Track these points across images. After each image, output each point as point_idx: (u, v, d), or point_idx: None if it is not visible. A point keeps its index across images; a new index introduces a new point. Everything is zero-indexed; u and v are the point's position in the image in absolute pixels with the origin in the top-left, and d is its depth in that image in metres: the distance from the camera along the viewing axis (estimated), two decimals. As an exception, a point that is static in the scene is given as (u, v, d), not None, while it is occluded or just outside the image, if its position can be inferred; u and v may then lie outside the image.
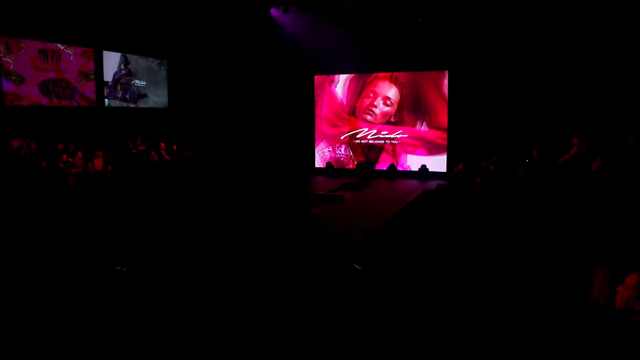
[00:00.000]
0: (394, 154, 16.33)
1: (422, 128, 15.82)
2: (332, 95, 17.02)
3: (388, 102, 16.23)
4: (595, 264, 2.77)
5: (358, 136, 16.76)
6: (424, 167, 15.59)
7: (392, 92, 16.17)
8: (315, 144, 17.39)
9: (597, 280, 2.71)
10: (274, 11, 14.97)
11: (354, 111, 16.75)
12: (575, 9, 12.09)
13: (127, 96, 15.36)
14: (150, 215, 10.05)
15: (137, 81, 15.61)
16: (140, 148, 13.70)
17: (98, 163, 12.03)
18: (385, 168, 16.35)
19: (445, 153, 15.48)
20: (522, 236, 4.52)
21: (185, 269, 6.61)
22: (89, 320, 5.05)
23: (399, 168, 16.22)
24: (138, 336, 4.72)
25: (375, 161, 16.67)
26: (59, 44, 13.18)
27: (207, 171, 14.19)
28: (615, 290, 2.60)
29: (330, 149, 17.25)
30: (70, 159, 11.50)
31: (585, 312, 2.77)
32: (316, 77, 17.18)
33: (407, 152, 16.14)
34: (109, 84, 14.71)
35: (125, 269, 6.63)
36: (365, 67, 16.25)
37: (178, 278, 6.25)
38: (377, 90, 16.37)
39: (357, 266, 5.24)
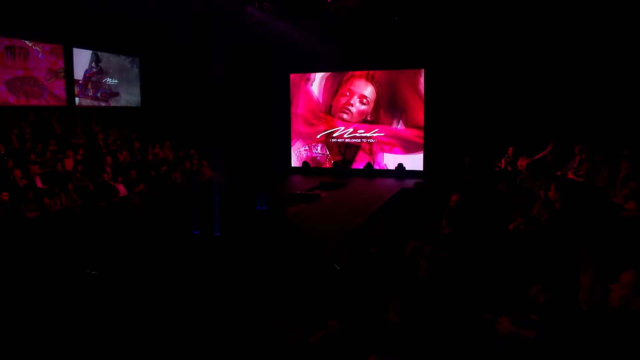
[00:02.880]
0: (371, 153, 16.27)
1: (399, 127, 15.79)
2: (308, 94, 16.90)
3: (364, 100, 16.16)
4: (583, 261, 2.68)
5: (334, 135, 16.66)
6: (400, 165, 15.56)
7: (369, 91, 16.11)
8: (292, 143, 17.24)
9: (586, 278, 2.62)
10: (249, 8, 14.76)
11: (330, 110, 16.65)
12: (551, 8, 12.16)
13: (99, 95, 14.99)
14: (124, 215, 9.83)
15: (108, 79, 15.25)
16: (111, 147, 13.38)
17: (68, 163, 11.69)
18: (362, 167, 16.28)
19: (422, 151, 15.47)
20: (505, 233, 4.46)
21: (161, 270, 6.44)
22: (60, 323, 4.86)
23: (376, 167, 16.17)
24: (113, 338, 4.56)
25: (352, 160, 16.59)
26: (27, 40, 12.78)
27: (182, 171, 13.91)
28: (609, 288, 2.51)
29: (307, 148, 17.13)
30: (38, 159, 11.16)
31: (575, 310, 2.68)
32: (292, 76, 17.04)
33: (383, 151, 16.10)
34: (80, 82, 14.34)
35: (97, 273, 6.45)
36: (341, 65, 16.14)
37: (155, 279, 6.09)
38: (354, 88, 16.30)
39: (336, 266, 5.13)
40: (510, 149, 10.56)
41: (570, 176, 7.83)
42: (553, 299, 3.13)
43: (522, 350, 2.69)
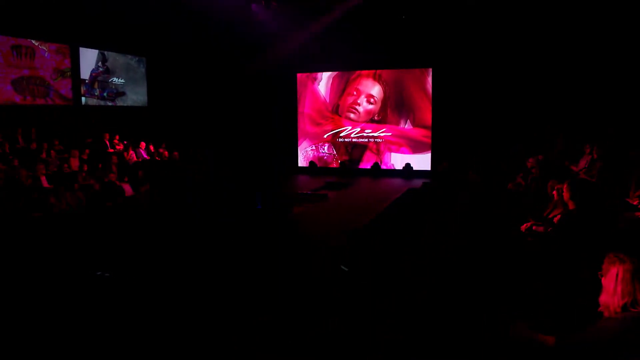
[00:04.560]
0: (378, 153, 16.16)
1: (406, 126, 15.67)
2: (315, 93, 16.80)
3: (372, 100, 16.05)
4: (607, 262, 2.55)
5: (341, 135, 16.56)
6: (408, 165, 15.43)
7: (376, 90, 16.00)
8: (298, 142, 17.15)
9: (610, 280, 2.49)
10: (255, 7, 14.69)
11: (337, 109, 16.55)
12: (558, 8, 12.02)
13: (105, 94, 14.97)
14: (128, 218, 9.76)
15: (115, 79, 15.24)
16: (117, 147, 13.35)
17: (74, 163, 11.66)
18: (369, 167, 16.17)
19: (430, 151, 15.34)
20: (511, 232, 4.35)
21: (167, 272, 6.36)
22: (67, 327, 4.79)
23: (383, 167, 16.05)
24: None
25: (359, 160, 16.47)
26: (33, 39, 12.77)
27: (188, 170, 13.86)
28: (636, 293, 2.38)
29: (314, 147, 17.03)
30: (44, 158, 11.13)
31: (592, 315, 2.57)
32: (299, 75, 16.95)
33: (391, 151, 15.98)
34: (86, 81, 14.32)
35: (107, 274, 6.37)
36: (348, 64, 16.04)
37: (161, 281, 6.01)
38: (361, 88, 16.19)
39: (344, 267, 5.04)
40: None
41: (582, 176, 7.70)
42: (569, 302, 3.02)
43: (540, 355, 2.60)
